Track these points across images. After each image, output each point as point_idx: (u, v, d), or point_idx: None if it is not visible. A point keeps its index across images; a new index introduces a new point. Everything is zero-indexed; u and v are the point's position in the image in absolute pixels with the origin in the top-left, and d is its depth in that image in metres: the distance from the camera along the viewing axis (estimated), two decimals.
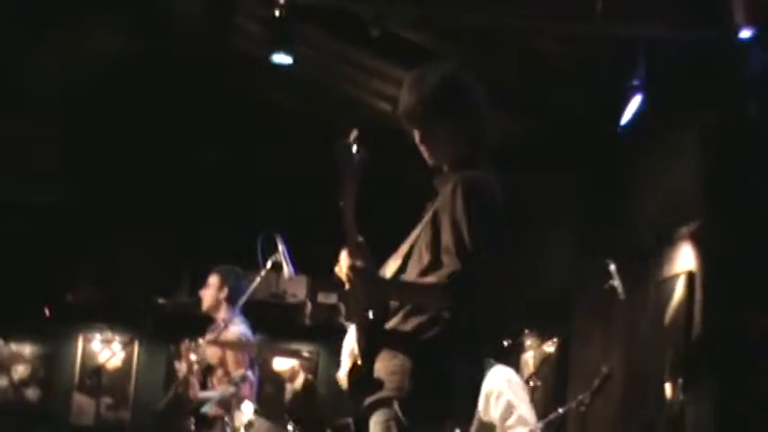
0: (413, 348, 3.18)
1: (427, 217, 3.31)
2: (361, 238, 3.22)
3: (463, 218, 3.12)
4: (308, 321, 11.23)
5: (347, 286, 3.20)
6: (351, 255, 3.17)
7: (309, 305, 11.14)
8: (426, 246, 3.24)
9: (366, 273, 3.19)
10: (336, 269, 3.24)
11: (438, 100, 3.31)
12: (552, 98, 8.15)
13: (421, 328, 3.20)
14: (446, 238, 3.15)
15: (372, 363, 3.24)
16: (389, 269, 3.35)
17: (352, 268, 3.15)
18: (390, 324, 3.26)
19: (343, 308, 3.29)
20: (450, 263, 3.11)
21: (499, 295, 3.33)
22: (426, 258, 3.22)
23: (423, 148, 3.42)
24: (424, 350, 3.18)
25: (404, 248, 3.37)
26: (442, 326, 3.18)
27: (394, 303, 3.27)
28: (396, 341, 3.21)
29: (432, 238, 3.22)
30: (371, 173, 3.16)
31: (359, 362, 3.25)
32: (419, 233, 3.33)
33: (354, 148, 3.12)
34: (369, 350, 3.25)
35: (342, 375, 3.40)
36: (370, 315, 3.25)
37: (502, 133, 8.15)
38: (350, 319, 3.30)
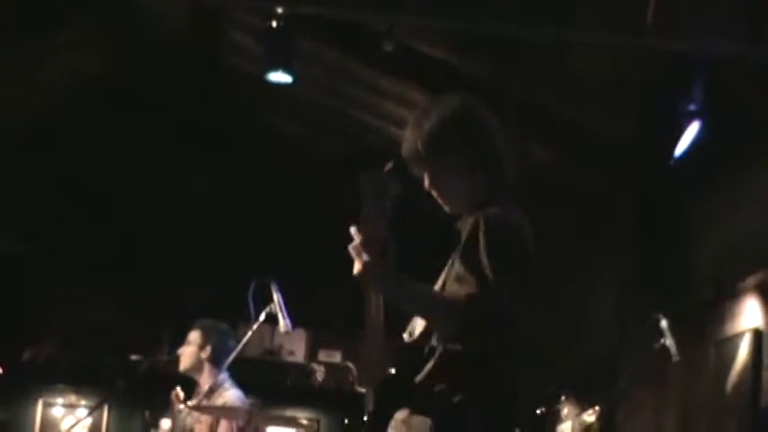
0: (434, 417, 3.13)
1: (449, 261, 3.34)
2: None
3: (484, 253, 3.14)
4: (316, 385, 11.16)
5: (359, 276, 3.01)
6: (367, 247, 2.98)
7: (323, 369, 11.06)
8: (449, 286, 3.27)
9: (384, 271, 3.01)
10: (351, 247, 3.02)
11: (443, 137, 3.34)
12: (592, 124, 8.12)
13: (443, 394, 3.15)
14: (465, 271, 3.17)
15: None
16: (418, 323, 3.35)
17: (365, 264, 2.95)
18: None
19: (354, 370, 3.23)
20: (468, 289, 3.11)
21: (531, 354, 3.29)
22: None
23: (435, 194, 3.43)
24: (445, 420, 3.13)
25: None
26: (467, 392, 3.15)
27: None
28: (415, 407, 3.18)
29: (453, 279, 3.25)
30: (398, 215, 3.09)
31: None
32: (443, 279, 3.34)
33: (389, 184, 3.00)
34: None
35: None
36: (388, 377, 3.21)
37: (532, 165, 8.21)
38: (363, 383, 3.27)
